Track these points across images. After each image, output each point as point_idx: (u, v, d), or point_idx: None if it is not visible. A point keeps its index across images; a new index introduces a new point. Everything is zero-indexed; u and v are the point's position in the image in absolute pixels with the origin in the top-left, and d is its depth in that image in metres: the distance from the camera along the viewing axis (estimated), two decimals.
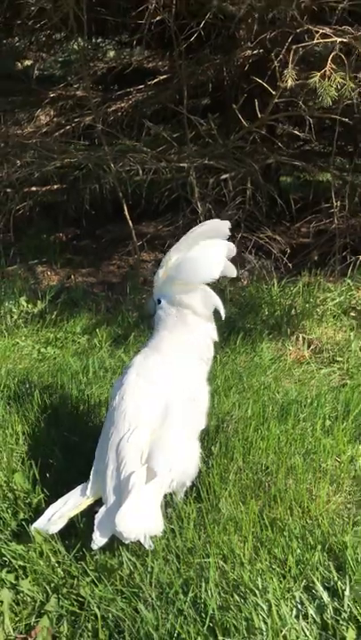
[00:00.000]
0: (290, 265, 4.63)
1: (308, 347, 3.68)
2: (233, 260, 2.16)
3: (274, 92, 3.32)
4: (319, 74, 2.82)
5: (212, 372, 3.15)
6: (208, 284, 2.15)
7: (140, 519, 1.83)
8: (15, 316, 4.16)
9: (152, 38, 4.92)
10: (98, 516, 1.90)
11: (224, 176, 4.98)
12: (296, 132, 5.31)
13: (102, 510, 1.92)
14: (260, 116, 3.59)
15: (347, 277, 4.26)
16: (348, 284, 4.19)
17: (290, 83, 2.91)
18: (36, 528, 1.99)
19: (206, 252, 2.13)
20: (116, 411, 2.09)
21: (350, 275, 4.29)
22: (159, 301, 2.23)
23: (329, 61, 2.81)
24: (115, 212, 6.17)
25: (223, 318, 2.20)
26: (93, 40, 7.18)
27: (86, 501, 2.02)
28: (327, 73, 2.80)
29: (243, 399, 2.89)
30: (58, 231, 6.28)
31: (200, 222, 2.21)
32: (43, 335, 3.89)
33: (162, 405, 2.06)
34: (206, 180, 4.95)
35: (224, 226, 2.15)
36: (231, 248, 2.15)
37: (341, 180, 4.99)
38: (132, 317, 4.09)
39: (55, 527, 1.97)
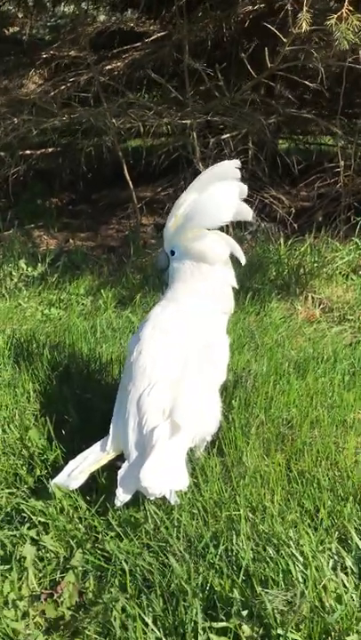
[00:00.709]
0: (295, 226, 4.52)
1: (318, 306, 3.60)
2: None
3: (285, 40, 3.18)
4: (336, 16, 2.70)
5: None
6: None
7: (164, 474, 1.76)
8: (15, 279, 4.05)
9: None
10: (120, 472, 1.82)
11: (225, 135, 4.86)
12: (298, 92, 5.18)
13: (125, 466, 1.84)
14: (269, 65, 3.45)
15: (354, 237, 4.17)
16: (356, 243, 4.10)
17: (305, 27, 2.78)
18: (56, 484, 1.92)
19: (217, 193, 2.03)
20: (134, 365, 2.01)
21: (358, 234, 4.20)
22: (172, 253, 2.14)
23: (346, 3, 2.68)
24: (112, 177, 6.05)
25: (243, 263, 2.11)
26: (83, 5, 7.00)
27: (107, 457, 1.95)
28: (344, 15, 2.68)
29: (257, 356, 2.82)
30: (53, 196, 6.14)
31: None
32: (45, 297, 3.78)
33: (180, 357, 1.98)
34: (207, 141, 4.83)
35: (234, 166, 2.04)
36: (243, 188, 2.04)
37: (345, 140, 4.87)
38: (137, 279, 3.99)
39: (76, 482, 1.90)
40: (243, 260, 2.11)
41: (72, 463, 1.96)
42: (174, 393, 1.91)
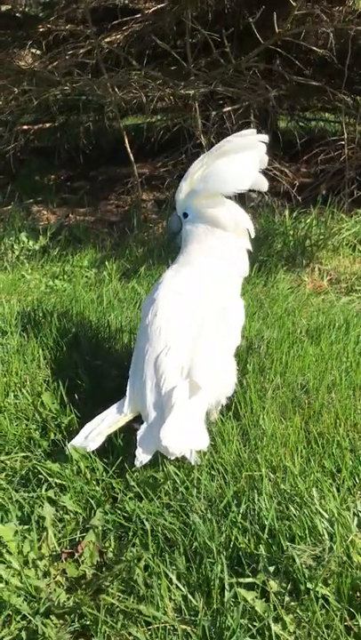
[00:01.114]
0: (299, 199, 4.48)
1: (325, 277, 3.57)
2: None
3: (294, 3, 3.11)
4: None
5: None
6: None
7: (185, 434, 1.73)
8: (17, 252, 4.00)
9: None
10: (139, 433, 1.79)
11: (227, 108, 4.80)
12: (297, 68, 5.11)
13: (144, 427, 1.81)
14: (277, 30, 3.38)
15: (360, 209, 4.13)
16: None
17: None
18: (73, 445, 1.89)
19: (239, 161, 2.00)
20: (150, 327, 1.98)
21: None
22: (185, 215, 2.10)
23: None
24: (110, 153, 5.98)
25: (253, 236, 2.09)
26: None
27: (124, 418, 1.92)
28: None
29: (268, 324, 2.79)
30: (51, 172, 6.07)
31: None
32: (48, 270, 3.74)
33: (196, 318, 1.96)
34: (208, 114, 4.77)
35: (259, 139, 2.01)
36: (264, 159, 2.02)
37: (349, 115, 4.83)
38: (140, 252, 3.94)
39: (93, 444, 1.87)
40: (252, 234, 2.10)
41: (89, 425, 1.93)
42: (191, 353, 1.89)
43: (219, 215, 2.04)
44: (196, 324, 1.95)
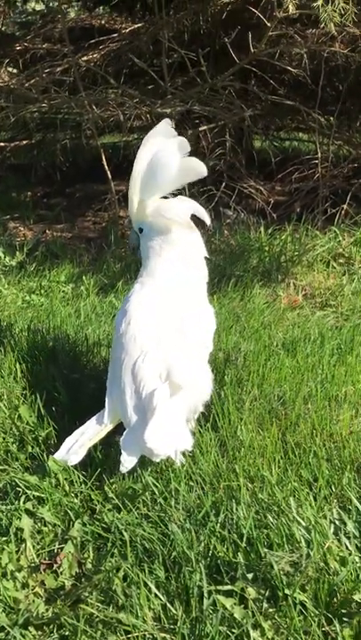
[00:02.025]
0: (274, 216, 4.54)
1: (300, 292, 3.62)
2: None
3: (269, 24, 3.19)
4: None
5: None
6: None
7: (168, 434, 1.75)
8: None
9: None
10: (122, 438, 1.80)
11: (203, 127, 4.87)
12: (271, 88, 5.21)
13: (126, 433, 1.82)
14: (252, 50, 3.46)
15: (333, 226, 4.20)
16: (335, 231, 4.13)
17: (291, 9, 2.79)
18: (54, 459, 1.88)
19: (157, 153, 1.99)
20: (124, 337, 1.99)
21: (336, 223, 4.24)
22: (141, 230, 2.12)
23: None
24: (86, 171, 6.01)
25: (208, 224, 2.09)
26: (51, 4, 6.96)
27: (105, 429, 1.93)
28: None
29: (244, 337, 2.82)
30: (28, 189, 6.08)
31: None
32: (25, 285, 3.73)
33: (170, 325, 1.97)
34: (184, 132, 4.83)
35: (166, 124, 2.03)
36: (182, 142, 1.99)
37: (322, 134, 4.92)
38: (117, 267, 3.96)
39: (76, 457, 1.87)
40: (207, 221, 2.08)
41: (71, 438, 1.93)
42: (168, 358, 1.90)
43: (164, 213, 2.03)
44: (170, 330, 1.97)
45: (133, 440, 1.76)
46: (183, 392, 1.85)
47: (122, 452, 1.75)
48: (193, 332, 2.00)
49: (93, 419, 1.96)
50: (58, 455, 1.89)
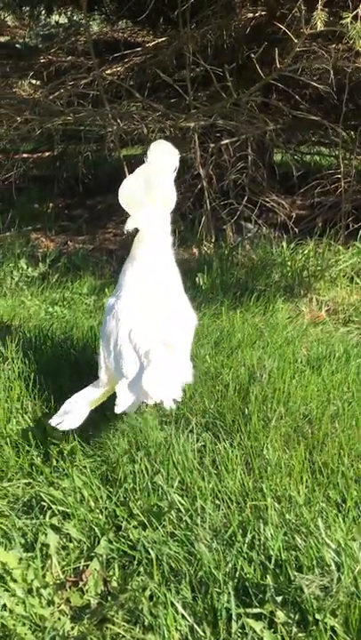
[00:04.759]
0: (296, 230, 4.53)
1: (323, 308, 3.60)
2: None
3: (295, 40, 3.19)
4: (351, 15, 2.72)
5: (233, 328, 3.07)
6: None
7: (163, 381, 1.83)
8: (16, 279, 4.01)
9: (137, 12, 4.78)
10: (118, 386, 1.88)
11: (225, 141, 4.87)
12: (293, 102, 5.21)
13: (122, 381, 1.90)
14: (278, 65, 3.46)
15: (356, 241, 4.18)
16: (358, 247, 4.11)
17: (320, 26, 2.79)
18: (50, 424, 1.97)
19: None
20: (117, 306, 2.13)
21: (359, 238, 4.21)
22: None
23: None
24: (107, 183, 6.03)
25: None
26: (75, 17, 7.04)
27: (101, 391, 2.04)
28: (360, 14, 2.69)
29: (268, 353, 2.80)
30: (50, 200, 6.12)
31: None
32: (48, 296, 3.74)
33: (159, 296, 2.14)
34: (206, 146, 4.84)
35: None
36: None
37: (345, 149, 4.91)
38: None
39: (67, 424, 1.94)
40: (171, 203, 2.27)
41: (67, 403, 2.02)
42: (163, 323, 2.06)
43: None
44: (160, 301, 2.13)
45: (129, 386, 1.87)
46: (179, 351, 2.01)
47: (118, 396, 1.84)
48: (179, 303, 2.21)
49: (89, 386, 2.07)
50: (54, 421, 1.96)
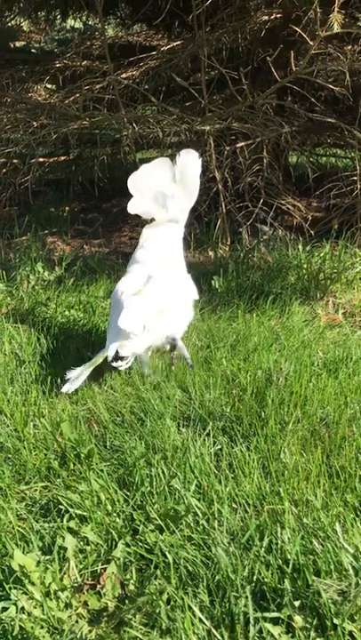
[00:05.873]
0: (311, 232, 4.51)
1: (339, 311, 3.58)
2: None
3: (311, 43, 3.18)
4: None
5: (249, 331, 3.07)
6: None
7: (135, 318, 2.30)
8: (33, 282, 4.02)
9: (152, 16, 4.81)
10: (108, 335, 2.44)
11: (240, 144, 4.87)
12: (308, 105, 5.20)
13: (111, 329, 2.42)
14: (294, 68, 3.45)
15: None
16: None
17: (336, 28, 2.78)
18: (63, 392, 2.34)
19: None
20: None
21: None
22: None
23: None
24: (121, 187, 6.04)
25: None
26: (90, 21, 7.08)
27: (102, 355, 2.35)
28: None
29: (284, 356, 2.79)
30: (65, 204, 6.14)
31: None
32: (64, 300, 3.75)
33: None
34: (222, 148, 4.84)
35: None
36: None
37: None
38: None
39: (71, 387, 2.31)
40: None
41: (73, 371, 2.35)
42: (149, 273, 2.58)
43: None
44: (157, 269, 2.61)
45: (114, 333, 2.30)
46: (148, 300, 2.40)
47: (108, 345, 2.28)
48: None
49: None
50: (65, 388, 2.31)
